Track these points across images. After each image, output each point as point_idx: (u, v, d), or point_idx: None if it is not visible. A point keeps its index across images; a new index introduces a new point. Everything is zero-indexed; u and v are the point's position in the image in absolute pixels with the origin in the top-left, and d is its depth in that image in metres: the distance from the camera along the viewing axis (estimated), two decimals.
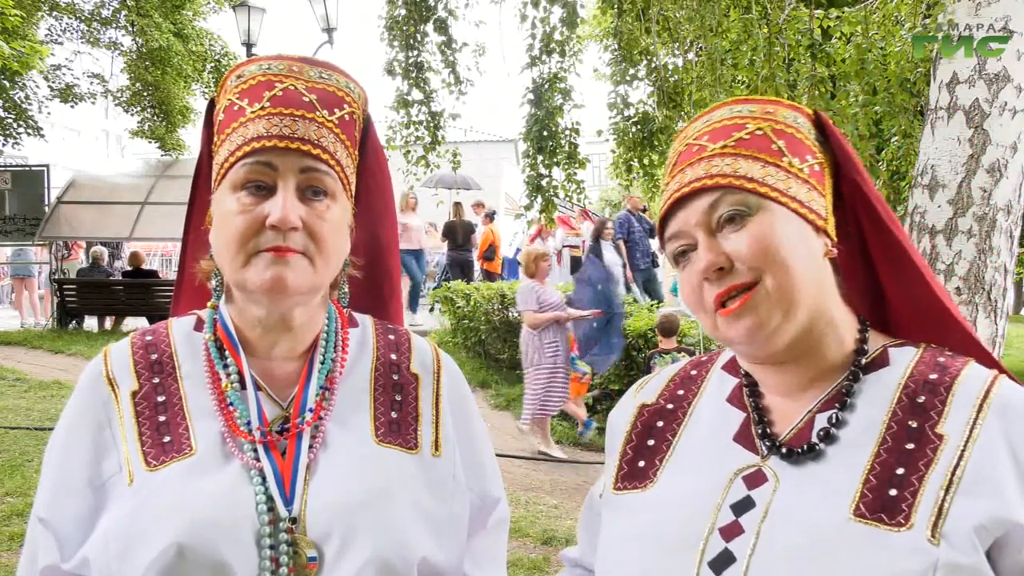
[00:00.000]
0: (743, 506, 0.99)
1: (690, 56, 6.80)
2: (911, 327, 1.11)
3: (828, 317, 1.05)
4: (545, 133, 6.87)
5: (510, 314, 9.68)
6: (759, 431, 1.06)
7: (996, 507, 0.90)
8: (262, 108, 1.09)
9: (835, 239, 1.08)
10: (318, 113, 1.11)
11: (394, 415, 1.17)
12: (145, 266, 13.95)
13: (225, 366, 1.13)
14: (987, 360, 1.06)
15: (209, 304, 1.19)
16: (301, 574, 1.02)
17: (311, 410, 1.12)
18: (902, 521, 0.91)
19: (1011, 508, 0.90)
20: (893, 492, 0.93)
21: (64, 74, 16.21)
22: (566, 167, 7.06)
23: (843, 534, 0.92)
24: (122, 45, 16.52)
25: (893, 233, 1.10)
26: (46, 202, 13.60)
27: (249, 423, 1.09)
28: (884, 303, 1.14)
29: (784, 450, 1.02)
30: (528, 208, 7.42)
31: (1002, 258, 3.50)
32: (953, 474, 0.93)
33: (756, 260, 1.00)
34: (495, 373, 9.73)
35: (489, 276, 13.70)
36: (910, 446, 0.96)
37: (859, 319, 1.10)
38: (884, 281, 1.12)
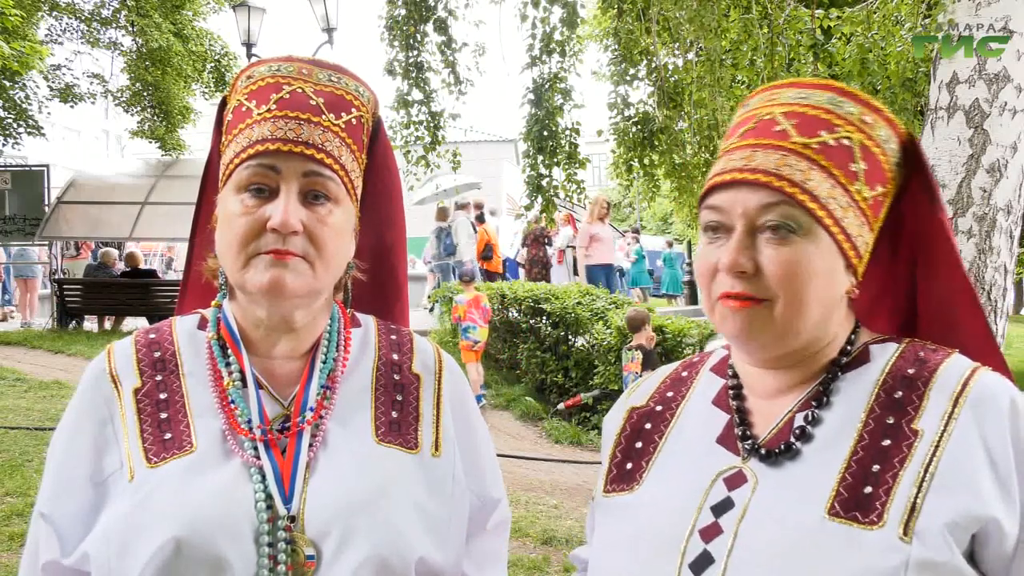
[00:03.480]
0: (723, 507, 0.99)
1: (690, 56, 6.80)
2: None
3: (828, 339, 1.05)
4: (545, 133, 6.87)
5: (510, 314, 9.69)
6: (740, 433, 1.06)
7: (969, 503, 0.90)
8: (268, 110, 1.10)
9: (860, 278, 1.05)
10: (324, 117, 1.11)
11: (395, 415, 1.17)
12: (143, 266, 13.95)
13: (227, 364, 1.14)
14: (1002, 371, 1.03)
15: (213, 303, 1.20)
16: (299, 572, 1.02)
17: (312, 409, 1.12)
18: (875, 519, 0.91)
19: (985, 503, 0.90)
20: (868, 490, 0.93)
21: (64, 74, 16.20)
22: (566, 167, 7.05)
23: (818, 533, 0.92)
24: (122, 45, 16.51)
25: (949, 279, 1.08)
26: (46, 202, 13.59)
27: (250, 421, 1.10)
28: (915, 319, 1.12)
29: (762, 451, 1.02)
30: (528, 208, 7.42)
31: (1002, 258, 3.50)
32: (926, 470, 0.92)
33: (778, 284, 0.99)
34: (495, 373, 9.72)
35: (489, 276, 13.70)
36: (886, 442, 0.96)
37: (856, 323, 1.09)
38: (922, 311, 1.11)
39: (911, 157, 1.08)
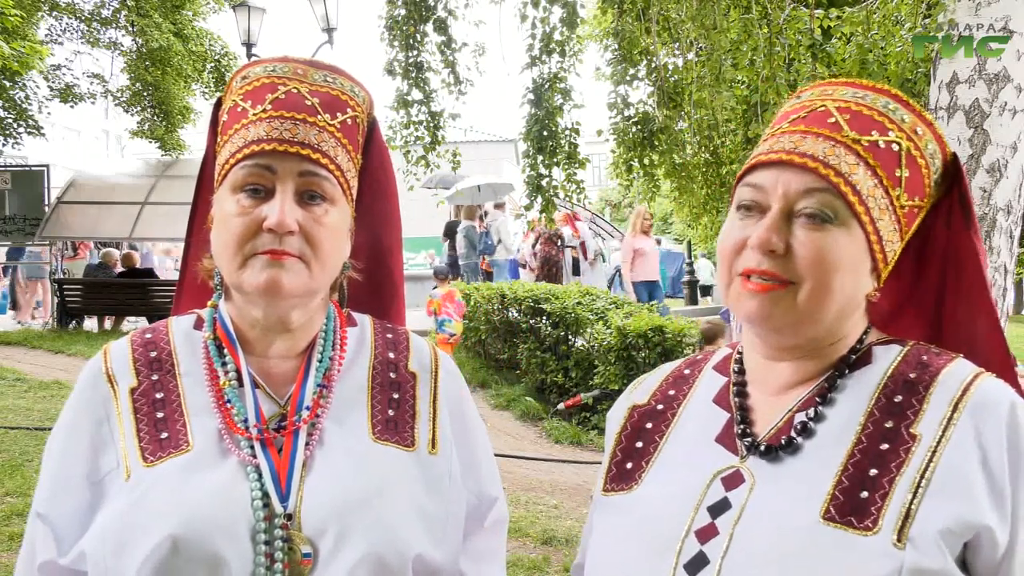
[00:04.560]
0: (719, 508, 0.99)
1: (690, 56, 6.80)
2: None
3: (841, 336, 1.05)
4: (545, 133, 6.85)
5: (510, 314, 9.69)
6: (739, 431, 1.05)
7: (964, 510, 0.89)
8: (263, 111, 1.10)
9: (882, 284, 1.06)
10: (320, 117, 1.11)
11: (391, 413, 1.17)
12: (139, 265, 13.97)
13: (223, 364, 1.14)
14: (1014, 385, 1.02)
15: (209, 303, 1.20)
16: (296, 570, 1.02)
17: (308, 408, 1.12)
18: (870, 525, 0.90)
19: (979, 511, 0.89)
20: (864, 494, 0.93)
21: (64, 74, 16.20)
22: (566, 167, 7.04)
23: (812, 537, 0.91)
24: (122, 45, 16.51)
25: (975, 299, 1.07)
26: (46, 202, 13.59)
27: (246, 420, 1.10)
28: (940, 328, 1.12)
29: (762, 447, 1.01)
30: (528, 208, 7.41)
31: (1002, 258, 3.49)
32: (923, 476, 0.92)
33: (806, 269, 0.98)
34: (495, 373, 9.72)
35: (488, 276, 13.71)
36: (884, 446, 0.95)
37: (868, 325, 1.09)
38: (947, 320, 1.10)
39: (951, 175, 1.08)
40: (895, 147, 1.02)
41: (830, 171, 0.99)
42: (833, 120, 1.02)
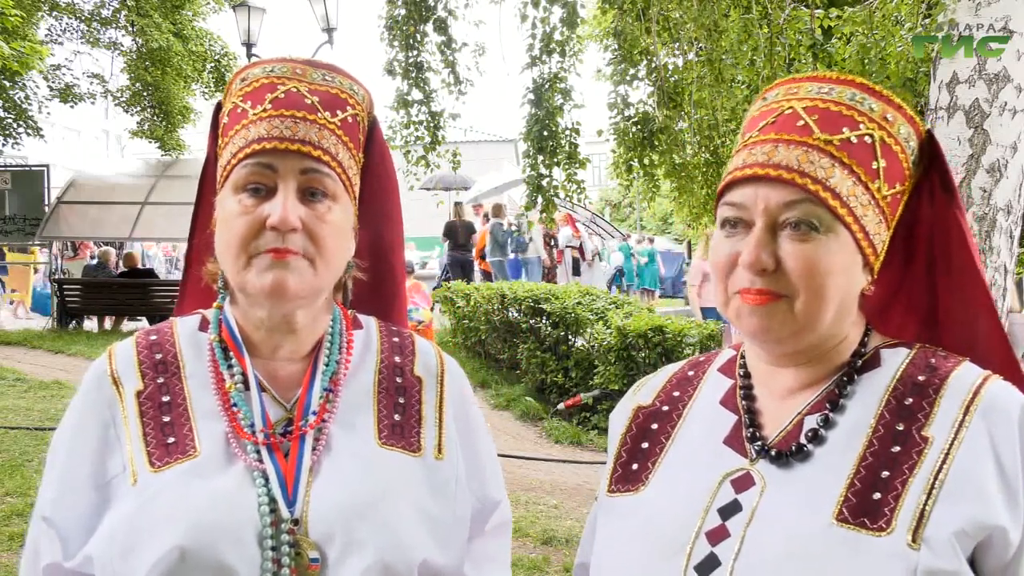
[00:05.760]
0: (730, 510, 0.99)
1: (690, 56, 6.80)
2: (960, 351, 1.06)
3: (841, 337, 1.05)
4: (545, 133, 6.86)
5: (510, 314, 9.69)
6: (748, 434, 1.05)
7: (977, 511, 0.90)
8: (264, 110, 1.10)
9: (875, 276, 1.05)
10: (320, 115, 1.11)
11: (397, 418, 1.17)
12: (140, 266, 13.97)
13: (229, 367, 1.13)
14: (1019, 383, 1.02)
15: (214, 304, 1.19)
16: (303, 575, 1.02)
17: (314, 412, 1.12)
18: (884, 526, 0.90)
19: (992, 512, 0.90)
20: (877, 496, 0.93)
21: (64, 74, 16.22)
22: (566, 167, 7.05)
23: (825, 539, 0.91)
24: (122, 45, 16.52)
25: (966, 278, 1.07)
26: (46, 202, 13.59)
27: (253, 424, 1.09)
28: (936, 323, 1.11)
29: (772, 452, 1.01)
30: (528, 208, 7.42)
31: (1002, 258, 3.49)
32: (936, 478, 0.92)
33: (798, 280, 0.98)
34: (495, 373, 9.72)
35: (487, 276, 13.74)
36: (896, 449, 0.95)
37: (866, 326, 1.09)
38: (942, 311, 1.10)
39: (929, 153, 1.07)
40: (868, 139, 1.01)
41: (807, 180, 0.98)
42: (802, 123, 1.01)
